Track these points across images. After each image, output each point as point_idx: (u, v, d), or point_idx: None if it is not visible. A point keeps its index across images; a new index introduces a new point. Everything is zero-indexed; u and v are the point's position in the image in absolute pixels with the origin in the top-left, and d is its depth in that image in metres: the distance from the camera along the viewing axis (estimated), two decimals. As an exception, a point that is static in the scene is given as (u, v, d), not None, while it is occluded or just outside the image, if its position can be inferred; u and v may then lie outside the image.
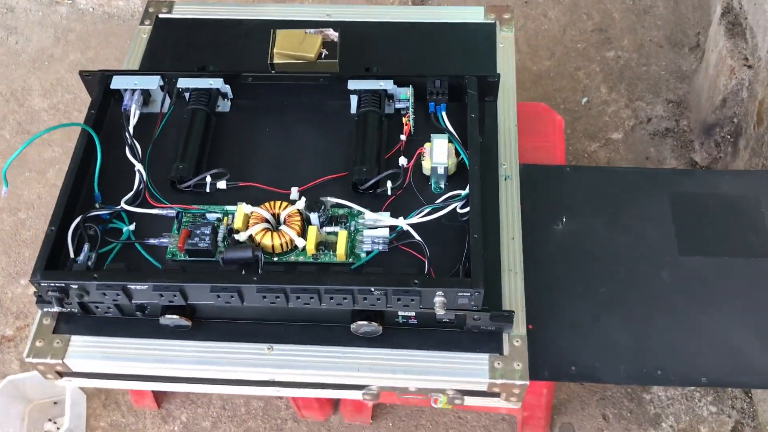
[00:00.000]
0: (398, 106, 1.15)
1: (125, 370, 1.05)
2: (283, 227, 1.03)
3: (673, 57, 2.11)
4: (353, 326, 1.01)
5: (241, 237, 1.02)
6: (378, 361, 1.02)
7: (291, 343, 1.04)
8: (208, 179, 1.09)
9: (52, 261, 1.02)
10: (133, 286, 0.98)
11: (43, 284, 0.99)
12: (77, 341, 1.05)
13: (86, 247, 1.04)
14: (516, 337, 1.02)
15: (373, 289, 0.96)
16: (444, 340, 1.02)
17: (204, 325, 1.05)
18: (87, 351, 1.05)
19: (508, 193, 1.15)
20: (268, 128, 1.19)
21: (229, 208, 1.08)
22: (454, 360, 1.02)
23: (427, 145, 1.10)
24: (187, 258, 1.04)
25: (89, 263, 1.03)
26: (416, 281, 0.95)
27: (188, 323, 1.03)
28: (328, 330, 1.04)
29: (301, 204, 1.05)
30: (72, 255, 1.04)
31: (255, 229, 1.03)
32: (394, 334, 1.03)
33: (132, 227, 1.08)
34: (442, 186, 1.10)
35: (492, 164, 1.18)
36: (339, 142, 1.16)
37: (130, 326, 1.05)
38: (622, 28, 2.17)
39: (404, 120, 1.14)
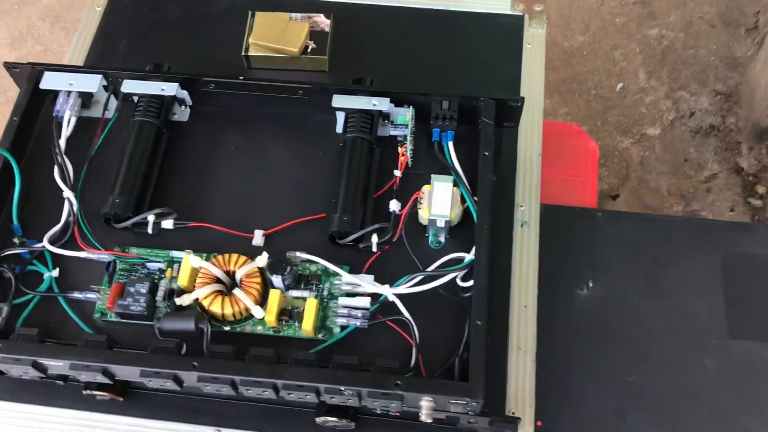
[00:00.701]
0: (394, 132, 0.92)
1: (43, 445, 0.87)
2: (237, 292, 0.82)
3: (726, 40, 1.83)
4: (319, 420, 0.81)
5: (185, 300, 0.82)
6: (348, 461, 0.83)
7: (244, 429, 0.84)
8: (151, 218, 0.87)
9: (-50, 320, 0.82)
10: (46, 362, 0.79)
11: (-67, 350, 0.79)
12: (-12, 407, 0.87)
13: (-5, 298, 0.84)
14: (520, 440, 0.82)
15: (343, 388, 0.76)
16: (431, 439, 0.83)
17: (140, 397, 0.86)
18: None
19: (525, 245, 0.94)
20: (233, 146, 0.97)
21: (175, 254, 0.87)
22: (442, 466, 0.82)
23: (425, 189, 0.88)
24: (119, 320, 0.84)
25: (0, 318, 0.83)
26: (398, 382, 0.75)
27: (119, 399, 0.84)
28: (290, 415, 0.84)
29: (262, 261, 0.83)
30: (-22, 308, 0.84)
31: (202, 292, 0.82)
32: (369, 426, 0.84)
33: (55, 273, 0.87)
34: (442, 240, 0.89)
35: (506, 204, 0.96)
36: (319, 169, 0.94)
37: (52, 392, 0.86)
38: (669, 2, 1.88)
39: (400, 150, 0.91)
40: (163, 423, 0.85)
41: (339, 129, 0.96)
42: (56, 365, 0.79)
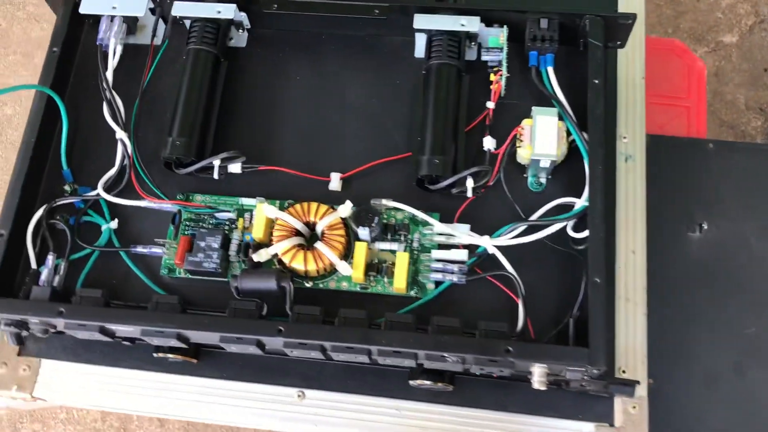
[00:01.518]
0: (486, 57, 0.80)
1: (111, 406, 0.80)
2: (320, 246, 0.73)
3: (812, -68, 1.65)
4: (413, 383, 0.74)
5: (263, 256, 0.73)
6: (445, 425, 0.76)
7: (329, 390, 0.77)
8: (217, 163, 0.77)
9: (5, 279, 0.74)
10: (114, 327, 0.71)
11: (-8, 316, 0.72)
12: (49, 368, 0.80)
13: (51, 256, 0.75)
14: (632, 401, 0.75)
15: (446, 355, 0.68)
16: (535, 400, 0.75)
17: (215, 356, 0.79)
18: (63, 382, 0.79)
19: (631, 182, 0.83)
20: (299, 75, 0.85)
21: (245, 201, 0.78)
22: (548, 428, 0.75)
23: (526, 123, 0.77)
24: (188, 276, 0.76)
25: (56, 279, 0.75)
26: (509, 348, 0.67)
27: (192, 361, 0.77)
28: (379, 376, 0.77)
29: (345, 211, 0.74)
30: (33, 264, 0.76)
31: (281, 247, 0.73)
32: (468, 388, 0.76)
33: (114, 225, 0.78)
34: (543, 181, 0.79)
35: (607, 136, 0.85)
36: (399, 100, 0.83)
37: (118, 352, 0.79)
38: None
39: (493, 78, 0.80)
40: (241, 384, 0.78)
41: (419, 53, 0.84)
42: (125, 330, 0.72)
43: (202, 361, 0.78)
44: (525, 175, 0.79)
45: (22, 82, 1.67)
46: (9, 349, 0.80)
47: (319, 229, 0.75)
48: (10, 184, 0.76)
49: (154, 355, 0.76)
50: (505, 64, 0.79)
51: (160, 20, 0.85)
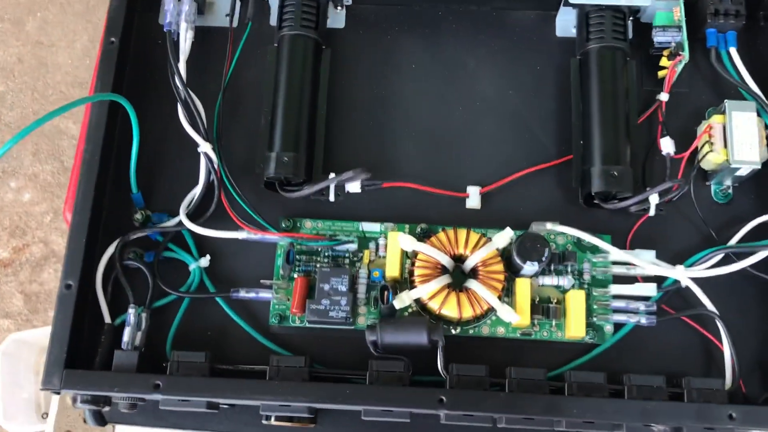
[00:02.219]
0: (659, 38, 0.65)
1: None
2: (475, 286, 0.58)
3: None
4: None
5: (405, 301, 0.58)
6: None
7: (474, 452, 0.64)
8: (336, 181, 0.61)
9: (77, 342, 0.59)
10: (225, 401, 0.56)
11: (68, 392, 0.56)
12: (126, 435, 0.65)
13: (132, 309, 0.59)
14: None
15: (654, 426, 0.54)
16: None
17: (332, 416, 0.64)
18: (143, 451, 0.65)
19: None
20: (414, 63, 0.69)
21: (368, 227, 0.63)
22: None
23: (715, 121, 0.62)
24: (306, 325, 0.61)
25: (138, 336, 0.59)
26: (732, 414, 0.54)
27: (309, 427, 0.62)
28: None
29: (502, 240, 0.59)
30: (107, 318, 0.60)
31: (429, 290, 0.58)
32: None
33: (205, 262, 0.62)
34: (731, 191, 0.64)
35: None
36: (543, 93, 0.68)
37: (214, 415, 0.64)
38: None
39: (666, 62, 0.65)
40: (367, 449, 0.64)
41: (563, 32, 0.69)
42: (242, 404, 0.57)
43: (319, 423, 0.64)
44: (708, 183, 0.65)
45: (13, 54, 1.48)
46: (75, 413, 0.65)
47: (470, 264, 0.60)
48: (74, 216, 0.60)
49: (264, 423, 0.61)
50: (686, 45, 0.64)
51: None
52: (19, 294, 1.33)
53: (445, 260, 0.59)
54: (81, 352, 0.59)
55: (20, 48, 1.48)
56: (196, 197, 0.63)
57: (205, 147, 0.62)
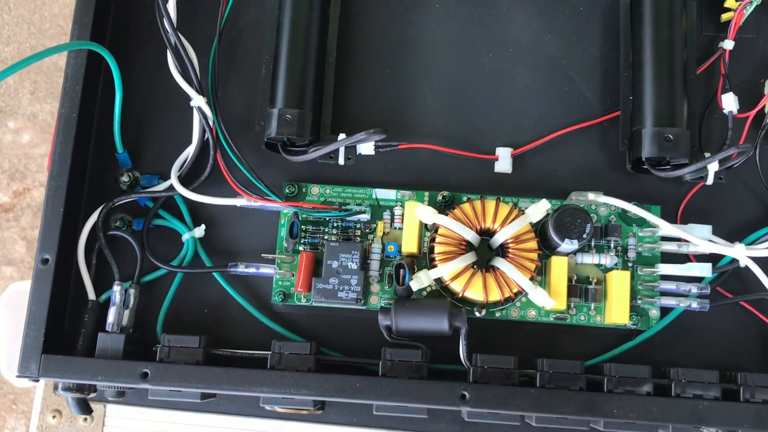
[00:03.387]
0: (725, -24, 0.55)
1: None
2: (504, 266, 0.51)
3: None
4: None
5: (423, 281, 0.51)
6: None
7: (497, 441, 0.58)
8: (347, 143, 0.53)
9: (57, 324, 0.52)
10: (221, 392, 0.50)
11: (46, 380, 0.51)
12: (120, 415, 0.60)
13: (117, 287, 0.53)
14: None
15: (705, 430, 0.48)
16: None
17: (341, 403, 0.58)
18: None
19: None
20: (439, 2, 0.60)
21: (382, 195, 0.55)
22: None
23: (788, 75, 0.53)
24: (313, 304, 0.54)
25: (126, 315, 0.53)
26: (798, 418, 0.47)
27: (317, 413, 0.57)
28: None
29: (539, 212, 0.51)
30: (91, 294, 0.54)
31: (450, 270, 0.51)
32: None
33: (200, 232, 0.55)
34: (801, 156, 0.56)
35: None
36: (586, 39, 0.59)
37: (219, 399, 0.58)
38: None
39: (733, 3, 0.56)
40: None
41: (610, -31, 0.59)
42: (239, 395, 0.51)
43: (328, 406, 0.58)
44: (773, 149, 0.56)
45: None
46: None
47: (499, 239, 0.52)
48: (49, 181, 0.53)
49: (266, 406, 0.55)
50: (758, -15, 0.54)
51: (234, -76, 0.59)
52: (21, 240, 1.28)
53: (470, 235, 0.52)
54: (62, 334, 0.53)
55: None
56: (189, 158, 0.56)
57: (198, 101, 0.55)
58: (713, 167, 0.52)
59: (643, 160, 0.53)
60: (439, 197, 0.55)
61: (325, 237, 0.54)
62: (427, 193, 0.55)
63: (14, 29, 1.37)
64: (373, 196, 0.55)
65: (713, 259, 0.53)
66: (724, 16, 0.57)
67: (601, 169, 0.56)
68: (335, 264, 0.52)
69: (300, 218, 0.54)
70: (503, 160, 0.56)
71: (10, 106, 1.34)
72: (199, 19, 0.59)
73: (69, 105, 0.53)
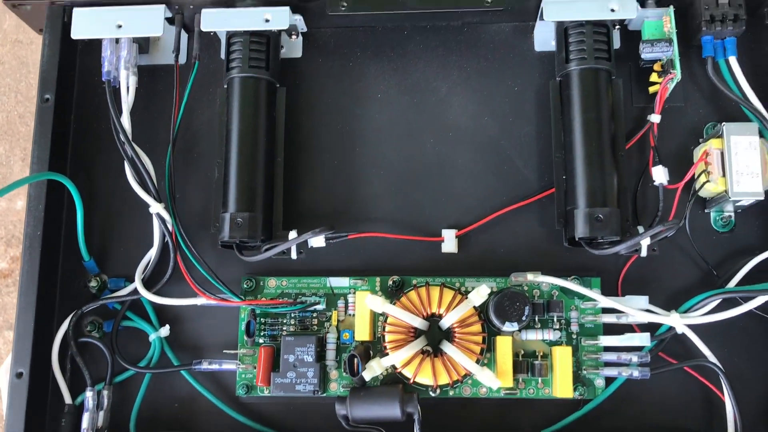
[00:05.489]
0: (647, 55, 0.58)
1: None
2: (452, 351, 0.54)
3: None
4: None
5: (376, 370, 0.54)
6: None
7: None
8: (299, 241, 0.56)
9: (34, 430, 0.56)
10: (191, 488, 0.53)
11: (25, 487, 0.54)
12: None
13: (89, 392, 0.56)
14: None
15: (649, 497, 0.50)
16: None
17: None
18: None
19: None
20: (381, 92, 0.63)
21: (336, 283, 0.58)
22: None
23: (713, 146, 0.55)
24: (272, 394, 0.57)
25: (101, 417, 0.56)
26: (735, 484, 0.49)
27: (290, 493, 0.60)
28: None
29: (480, 297, 0.54)
30: (67, 398, 0.57)
31: (401, 357, 0.54)
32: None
33: (165, 332, 0.59)
34: (732, 218, 0.58)
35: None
36: (521, 117, 0.61)
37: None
38: None
39: (657, 78, 0.58)
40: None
41: (541, 46, 0.62)
42: (208, 490, 0.54)
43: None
44: (706, 211, 0.59)
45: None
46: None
47: (446, 323, 0.55)
48: (19, 297, 0.56)
49: (241, 492, 0.58)
50: (677, 62, 0.57)
51: (182, 31, 0.62)
52: (21, 304, 1.32)
53: (418, 322, 0.55)
54: (43, 442, 0.56)
55: (-1, 48, 1.43)
56: (151, 261, 0.59)
57: (156, 207, 0.58)
58: (645, 242, 0.54)
59: (577, 240, 0.56)
60: (390, 282, 0.58)
61: (284, 328, 0.57)
62: (378, 279, 0.58)
63: (2, 98, 1.41)
64: (328, 285, 0.58)
65: (652, 327, 0.56)
66: (652, 89, 0.59)
67: (542, 244, 0.59)
68: (291, 358, 0.55)
69: (259, 312, 0.57)
70: (449, 242, 0.59)
71: (2, 173, 1.38)
72: (155, 125, 0.62)
73: (33, 224, 0.57)
